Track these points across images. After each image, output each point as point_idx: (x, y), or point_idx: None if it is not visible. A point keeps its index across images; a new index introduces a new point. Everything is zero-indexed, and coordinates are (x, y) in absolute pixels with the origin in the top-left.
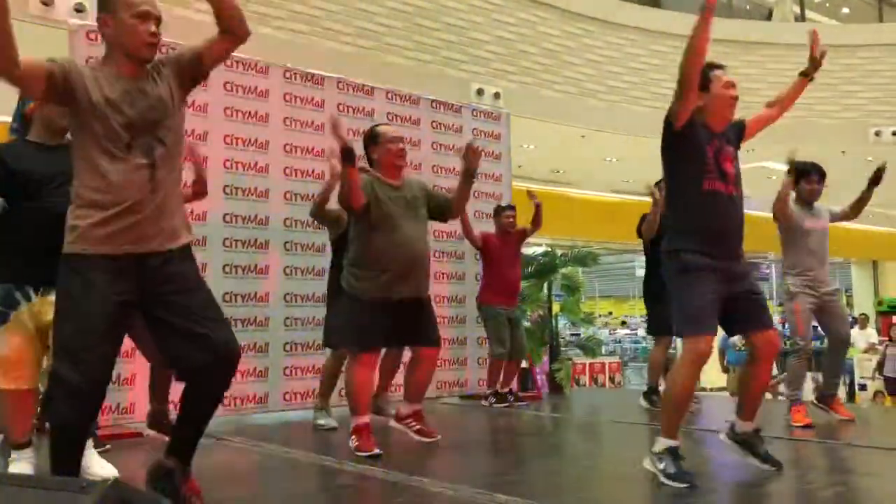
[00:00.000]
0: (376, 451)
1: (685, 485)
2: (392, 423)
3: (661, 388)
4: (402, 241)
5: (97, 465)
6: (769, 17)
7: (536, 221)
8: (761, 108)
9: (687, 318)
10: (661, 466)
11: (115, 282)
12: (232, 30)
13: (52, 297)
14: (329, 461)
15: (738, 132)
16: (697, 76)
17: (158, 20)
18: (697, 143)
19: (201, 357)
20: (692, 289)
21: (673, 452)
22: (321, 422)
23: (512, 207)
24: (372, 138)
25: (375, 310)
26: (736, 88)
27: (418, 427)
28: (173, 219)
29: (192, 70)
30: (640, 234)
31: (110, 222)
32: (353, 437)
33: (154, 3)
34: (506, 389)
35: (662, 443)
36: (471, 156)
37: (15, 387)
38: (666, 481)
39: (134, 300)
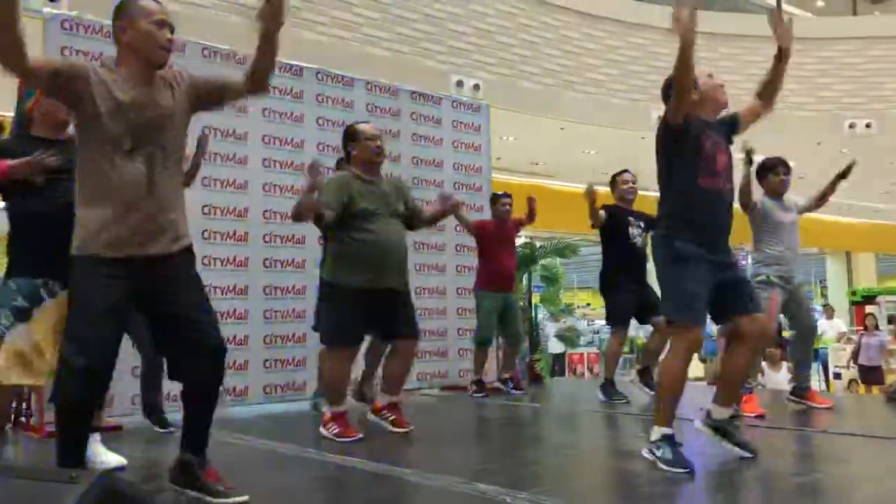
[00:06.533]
0: (359, 435)
1: (684, 470)
2: (369, 415)
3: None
4: (378, 234)
5: (104, 454)
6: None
7: (531, 217)
8: (737, 99)
9: (682, 305)
10: (659, 454)
11: (117, 280)
12: (261, 85)
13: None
14: (310, 453)
15: (733, 125)
16: (691, 83)
17: (172, 29)
18: (694, 137)
19: (192, 359)
20: (687, 276)
21: (669, 439)
22: (324, 409)
23: (508, 195)
24: (351, 135)
25: (356, 302)
26: (715, 76)
27: (392, 417)
28: (173, 221)
29: (208, 99)
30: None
31: (110, 224)
32: (332, 424)
33: (167, 13)
34: (506, 376)
35: (658, 431)
36: (448, 206)
37: (32, 382)
38: (664, 467)
39: (133, 296)
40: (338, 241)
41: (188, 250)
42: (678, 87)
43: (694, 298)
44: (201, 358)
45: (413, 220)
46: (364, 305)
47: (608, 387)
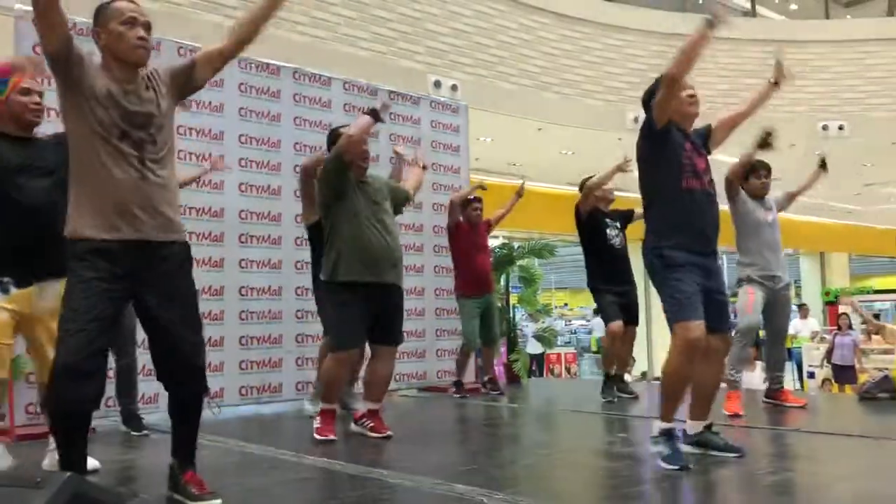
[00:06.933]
0: (330, 437)
1: (678, 467)
2: (351, 426)
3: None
4: (371, 231)
5: None
6: None
7: (508, 210)
8: (710, 100)
9: (676, 306)
10: (657, 449)
11: (108, 267)
12: (249, 40)
13: (36, 289)
14: (287, 454)
15: (704, 137)
16: (684, 78)
17: (147, 26)
18: (676, 142)
19: (172, 373)
20: (679, 279)
21: (668, 434)
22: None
23: (479, 200)
24: (335, 140)
25: (354, 301)
26: (690, 87)
27: (371, 424)
28: (165, 211)
29: (184, 81)
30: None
31: (102, 207)
32: (319, 419)
33: (142, 11)
34: (486, 377)
35: (657, 426)
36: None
37: None
38: (661, 464)
39: (126, 288)
40: (331, 242)
41: (185, 253)
42: (673, 79)
43: (685, 296)
44: (180, 375)
45: (405, 197)
46: (363, 303)
47: (604, 384)
